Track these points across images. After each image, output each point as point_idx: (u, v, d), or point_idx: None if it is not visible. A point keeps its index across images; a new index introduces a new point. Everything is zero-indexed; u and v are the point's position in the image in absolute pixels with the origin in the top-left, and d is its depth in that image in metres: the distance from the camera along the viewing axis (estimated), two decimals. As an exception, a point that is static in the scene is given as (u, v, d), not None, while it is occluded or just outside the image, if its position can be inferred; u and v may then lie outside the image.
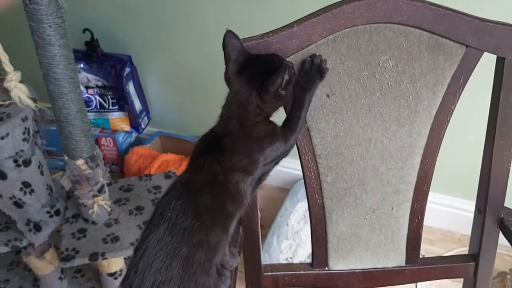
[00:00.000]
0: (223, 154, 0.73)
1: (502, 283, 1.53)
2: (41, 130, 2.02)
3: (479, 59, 0.81)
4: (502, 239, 1.75)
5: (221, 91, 0.80)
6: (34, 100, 1.39)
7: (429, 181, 0.91)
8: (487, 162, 0.88)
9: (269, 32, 0.78)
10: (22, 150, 1.36)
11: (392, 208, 0.93)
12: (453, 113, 0.85)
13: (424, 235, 1.77)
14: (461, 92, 0.83)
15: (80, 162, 1.39)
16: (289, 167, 1.99)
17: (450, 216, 1.76)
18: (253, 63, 0.75)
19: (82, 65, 1.96)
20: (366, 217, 0.94)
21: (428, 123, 0.86)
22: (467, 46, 0.80)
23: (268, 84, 0.72)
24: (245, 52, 0.76)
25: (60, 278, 1.65)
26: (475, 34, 0.79)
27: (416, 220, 0.94)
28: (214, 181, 0.71)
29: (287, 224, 1.87)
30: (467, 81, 0.83)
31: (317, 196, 0.92)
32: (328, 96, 0.83)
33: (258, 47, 0.78)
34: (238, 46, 0.75)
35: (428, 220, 1.78)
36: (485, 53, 0.80)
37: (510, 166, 0.87)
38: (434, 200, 1.76)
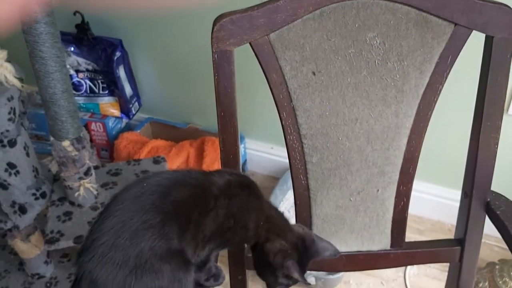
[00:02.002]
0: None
1: (490, 273, 1.52)
2: (29, 114, 2.00)
3: (468, 37, 0.79)
4: (492, 230, 1.75)
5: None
6: (21, 79, 1.37)
7: (415, 163, 0.90)
8: (474, 145, 0.87)
9: (253, 5, 0.77)
10: (7, 130, 1.34)
11: (377, 190, 0.92)
12: (440, 93, 0.84)
13: (413, 225, 1.79)
14: (448, 72, 0.82)
15: (66, 143, 1.37)
16: (279, 155, 1.98)
17: (440, 206, 1.75)
18: None
19: (72, 49, 1.93)
20: (351, 199, 0.92)
21: (415, 103, 0.84)
22: (455, 24, 0.78)
23: None
24: None
25: (46, 262, 1.64)
26: (463, 12, 0.77)
27: (402, 203, 0.93)
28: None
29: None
30: (455, 60, 0.81)
31: (301, 177, 0.91)
32: (314, 73, 0.82)
33: (243, 21, 0.77)
34: None
35: (418, 210, 1.79)
36: (473, 34, 0.79)
37: (497, 148, 0.86)
38: (424, 190, 1.76)
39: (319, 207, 0.93)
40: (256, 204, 0.76)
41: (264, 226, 0.75)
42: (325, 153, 0.88)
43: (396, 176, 0.91)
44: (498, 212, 0.88)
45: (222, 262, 0.96)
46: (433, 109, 0.85)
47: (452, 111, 1.50)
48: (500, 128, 0.85)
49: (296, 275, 0.74)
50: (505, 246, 1.68)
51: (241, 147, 2.01)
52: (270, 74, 0.82)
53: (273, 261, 0.75)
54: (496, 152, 0.87)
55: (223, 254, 0.98)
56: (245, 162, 2.05)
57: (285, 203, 1.89)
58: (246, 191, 0.75)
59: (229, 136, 0.86)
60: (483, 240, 1.72)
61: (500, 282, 1.47)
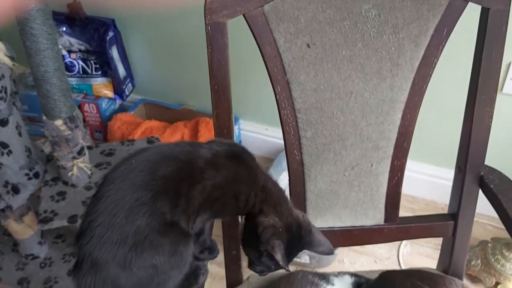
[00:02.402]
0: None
1: (483, 251, 1.53)
2: (21, 95, 1.98)
3: (463, 10, 0.79)
4: (484, 208, 1.76)
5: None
6: (12, 58, 1.35)
7: (410, 138, 0.90)
8: (468, 118, 0.87)
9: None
10: (-2, 109, 1.33)
11: (372, 165, 0.91)
12: (435, 67, 0.84)
13: (407, 205, 1.80)
14: (444, 45, 0.82)
15: (58, 122, 1.36)
16: (274, 136, 1.98)
17: (434, 186, 1.76)
18: None
19: (64, 29, 1.91)
20: (345, 174, 0.92)
21: (410, 76, 0.84)
22: (451, -4, 0.78)
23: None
24: None
25: (40, 243, 1.63)
26: (459, -17, 0.77)
27: (396, 177, 0.93)
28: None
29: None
30: (450, 33, 0.81)
31: (296, 152, 0.91)
32: (308, 46, 0.81)
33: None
34: None
35: (412, 190, 1.80)
36: (469, 6, 0.78)
37: (491, 122, 0.86)
38: (418, 170, 1.76)
39: (313, 183, 0.93)
40: (247, 174, 0.74)
41: (258, 196, 0.74)
42: (320, 128, 0.88)
43: (390, 151, 0.90)
44: (491, 186, 0.88)
45: (216, 239, 0.96)
46: (428, 83, 0.85)
47: (446, 90, 1.50)
48: (494, 101, 0.85)
49: (278, 256, 0.71)
50: (498, 225, 1.71)
51: (236, 128, 2.00)
52: (264, 47, 0.81)
53: (260, 234, 0.72)
54: (490, 126, 0.87)
55: (219, 234, 0.98)
56: (239, 143, 2.05)
57: (280, 184, 1.88)
58: (234, 162, 0.73)
59: (222, 110, 0.85)
60: (476, 219, 1.73)
61: (493, 259, 1.48)
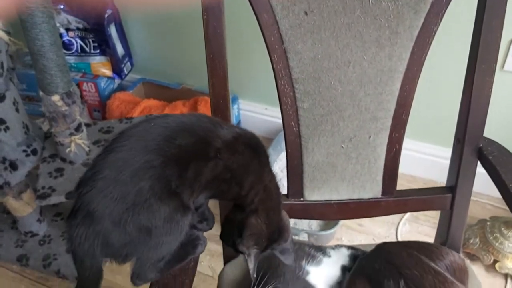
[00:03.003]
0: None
1: (481, 230, 1.53)
2: (20, 74, 1.97)
3: (464, -25, 0.77)
4: (484, 187, 1.76)
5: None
6: (8, 33, 1.34)
7: (408, 109, 0.89)
8: (468, 89, 0.86)
9: None
10: (-5, 84, 1.32)
11: (370, 137, 0.91)
12: (434, 36, 0.82)
13: (406, 184, 1.79)
14: (443, 13, 0.80)
15: (55, 98, 1.35)
16: (274, 116, 1.97)
17: (432, 165, 1.75)
18: None
19: (62, 6, 1.89)
20: (343, 145, 0.91)
21: (409, 45, 0.83)
22: (452, -39, 0.76)
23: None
24: None
25: (39, 220, 1.64)
26: None
27: (394, 149, 0.92)
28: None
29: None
30: (450, 0, 0.79)
31: (293, 124, 0.90)
32: (306, 13, 0.80)
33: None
34: None
35: (411, 169, 1.79)
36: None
37: (491, 92, 0.85)
38: (417, 149, 1.75)
39: (310, 155, 0.92)
40: (258, 167, 0.74)
41: (259, 194, 0.74)
42: (317, 98, 0.87)
43: (388, 122, 0.90)
44: (490, 158, 0.87)
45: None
46: (427, 52, 0.84)
47: (445, 66, 1.49)
48: (494, 71, 0.84)
49: (251, 265, 0.74)
50: (497, 204, 1.71)
51: (235, 108, 1.99)
52: (261, 15, 0.80)
53: (244, 236, 0.74)
54: (490, 96, 0.86)
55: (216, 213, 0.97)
56: (239, 123, 2.04)
57: (279, 164, 1.88)
58: (250, 151, 0.74)
59: (218, 79, 0.84)
60: (475, 198, 1.74)
61: (491, 237, 1.48)
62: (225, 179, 0.71)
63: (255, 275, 0.76)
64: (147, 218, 0.64)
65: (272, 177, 0.78)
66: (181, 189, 0.67)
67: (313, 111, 0.88)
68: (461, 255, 0.93)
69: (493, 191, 1.73)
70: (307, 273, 0.87)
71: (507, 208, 1.71)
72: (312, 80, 0.85)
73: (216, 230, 1.00)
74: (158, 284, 0.69)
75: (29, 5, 1.19)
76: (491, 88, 0.85)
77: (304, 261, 0.90)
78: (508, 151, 0.89)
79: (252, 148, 0.75)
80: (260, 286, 0.81)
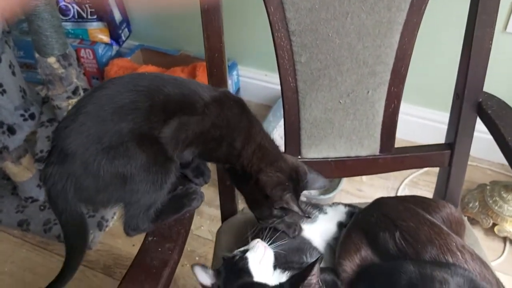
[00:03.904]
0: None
1: (481, 194, 1.53)
2: (17, 41, 1.95)
3: None
4: (485, 153, 1.74)
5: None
6: (1, -6, 1.31)
7: (407, 63, 0.87)
8: (468, 41, 0.84)
9: None
10: (-11, 45, 1.30)
11: (368, 92, 0.89)
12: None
13: (406, 150, 1.78)
14: (445, -40, 0.78)
15: (51, 60, 1.34)
16: (273, 82, 1.94)
17: (432, 130, 1.73)
18: None
19: (57, -30, 1.85)
20: (341, 101, 0.90)
21: (408, -5, 0.80)
22: None
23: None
24: None
25: (39, 186, 1.64)
26: None
27: (392, 105, 0.91)
28: None
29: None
30: None
31: (290, 79, 0.88)
32: (302, -39, 0.78)
33: None
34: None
35: (409, 135, 1.77)
36: None
37: (491, 44, 0.83)
38: (419, 115, 1.74)
39: (307, 111, 0.91)
40: (248, 126, 0.74)
41: (256, 154, 0.73)
42: (314, 52, 0.85)
43: (387, 77, 0.88)
44: (489, 112, 0.86)
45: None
46: (427, 2, 0.82)
47: (443, 30, 1.46)
48: (495, 22, 0.82)
49: (296, 208, 0.73)
50: (498, 169, 1.70)
51: (234, 74, 1.97)
52: (257, -36, 0.78)
53: (271, 194, 0.73)
54: (490, 49, 0.84)
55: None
56: (238, 90, 2.02)
57: (279, 130, 1.87)
58: (239, 109, 0.73)
59: (213, 32, 0.82)
60: (475, 164, 1.73)
61: (490, 201, 1.48)
62: (214, 137, 0.71)
63: (306, 213, 0.77)
64: (122, 163, 0.62)
65: (265, 135, 0.77)
66: (166, 140, 0.66)
67: (310, 65, 0.87)
68: (458, 209, 0.93)
69: (494, 157, 1.73)
70: (302, 229, 0.87)
71: (507, 173, 1.70)
72: (309, 32, 0.83)
73: (216, 194, 1.01)
74: (154, 234, 0.69)
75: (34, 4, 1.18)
76: (492, 40, 0.83)
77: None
78: (508, 105, 0.87)
79: (242, 107, 0.74)
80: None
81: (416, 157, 0.96)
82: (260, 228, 0.85)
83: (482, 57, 0.84)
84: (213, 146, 0.72)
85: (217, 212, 1.10)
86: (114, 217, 1.61)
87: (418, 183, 1.69)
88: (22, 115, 1.46)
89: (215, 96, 0.72)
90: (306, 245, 0.84)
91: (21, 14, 1.18)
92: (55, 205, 0.64)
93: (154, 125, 0.65)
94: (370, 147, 0.95)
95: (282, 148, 0.84)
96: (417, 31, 0.84)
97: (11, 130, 1.45)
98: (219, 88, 0.77)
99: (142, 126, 0.63)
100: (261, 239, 0.78)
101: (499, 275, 0.73)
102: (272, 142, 0.79)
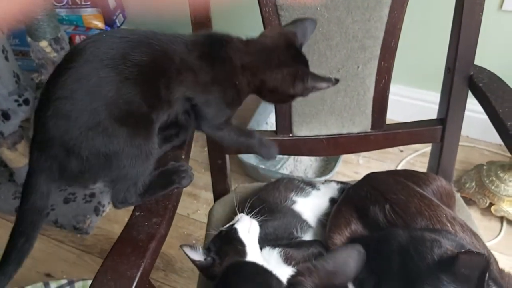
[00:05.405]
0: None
1: (478, 174, 1.52)
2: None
3: None
4: (482, 134, 1.73)
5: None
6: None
7: (397, 37, 0.86)
8: (458, 13, 0.83)
9: None
10: (-20, 30, 1.29)
11: (358, 67, 0.89)
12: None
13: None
14: None
15: (43, 43, 1.33)
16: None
17: (422, 110, 1.71)
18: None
19: (50, -44, 1.84)
20: (331, 77, 0.89)
21: (397, -33, 0.80)
22: None
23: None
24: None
25: (36, 172, 1.64)
26: None
27: (383, 80, 0.90)
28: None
29: (266, 123, 1.84)
30: None
31: (280, 55, 0.88)
32: None
33: None
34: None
35: (400, 115, 1.75)
36: None
37: (481, 16, 0.82)
38: (406, 94, 1.72)
39: (298, 87, 0.91)
40: (224, 69, 0.70)
41: (246, 76, 0.70)
42: (303, 26, 0.84)
43: (377, 51, 0.87)
44: (480, 85, 0.85)
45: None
46: (416, -26, 0.81)
47: (433, 2, 1.44)
48: (485, -6, 0.80)
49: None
50: (495, 150, 1.69)
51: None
52: None
53: (295, 92, 0.72)
54: (481, 22, 0.83)
55: (198, 159, 0.97)
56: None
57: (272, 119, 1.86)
58: (209, 61, 0.69)
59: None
60: (472, 145, 1.72)
61: (487, 181, 1.48)
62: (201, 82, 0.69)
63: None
64: (103, 143, 0.61)
65: (242, 50, 0.72)
66: (154, 106, 0.65)
67: (299, 41, 0.86)
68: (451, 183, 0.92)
69: (491, 137, 1.72)
70: (293, 202, 0.87)
71: (504, 153, 1.69)
72: (297, 6, 0.83)
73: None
74: (141, 209, 0.69)
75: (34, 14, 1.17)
76: (482, 12, 0.82)
77: (292, 193, 0.90)
78: (499, 78, 0.87)
79: (219, 43, 0.71)
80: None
81: (408, 133, 0.96)
82: (251, 206, 0.84)
83: (473, 29, 0.84)
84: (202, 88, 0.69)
85: (213, 196, 1.10)
86: (110, 202, 1.61)
87: (415, 164, 1.68)
88: (16, 101, 1.46)
89: (183, 59, 0.67)
90: (296, 218, 0.84)
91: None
92: (33, 187, 0.65)
93: (132, 99, 0.63)
94: (362, 123, 0.95)
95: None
96: (406, 4, 0.83)
97: (6, 116, 1.44)
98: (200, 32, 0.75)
99: (116, 101, 0.62)
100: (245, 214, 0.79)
101: (496, 254, 0.71)
102: (250, 45, 0.73)
